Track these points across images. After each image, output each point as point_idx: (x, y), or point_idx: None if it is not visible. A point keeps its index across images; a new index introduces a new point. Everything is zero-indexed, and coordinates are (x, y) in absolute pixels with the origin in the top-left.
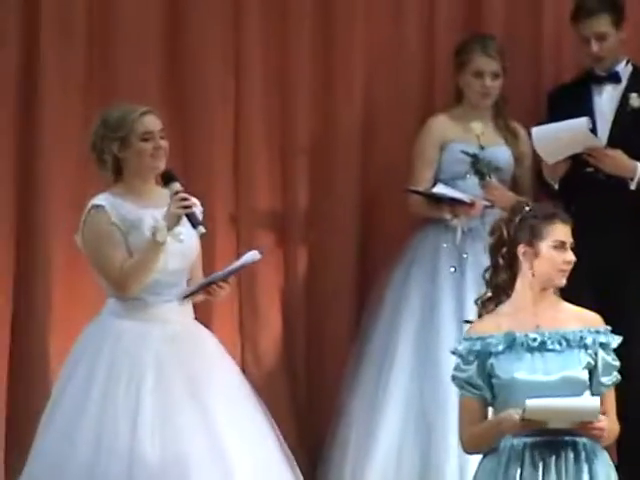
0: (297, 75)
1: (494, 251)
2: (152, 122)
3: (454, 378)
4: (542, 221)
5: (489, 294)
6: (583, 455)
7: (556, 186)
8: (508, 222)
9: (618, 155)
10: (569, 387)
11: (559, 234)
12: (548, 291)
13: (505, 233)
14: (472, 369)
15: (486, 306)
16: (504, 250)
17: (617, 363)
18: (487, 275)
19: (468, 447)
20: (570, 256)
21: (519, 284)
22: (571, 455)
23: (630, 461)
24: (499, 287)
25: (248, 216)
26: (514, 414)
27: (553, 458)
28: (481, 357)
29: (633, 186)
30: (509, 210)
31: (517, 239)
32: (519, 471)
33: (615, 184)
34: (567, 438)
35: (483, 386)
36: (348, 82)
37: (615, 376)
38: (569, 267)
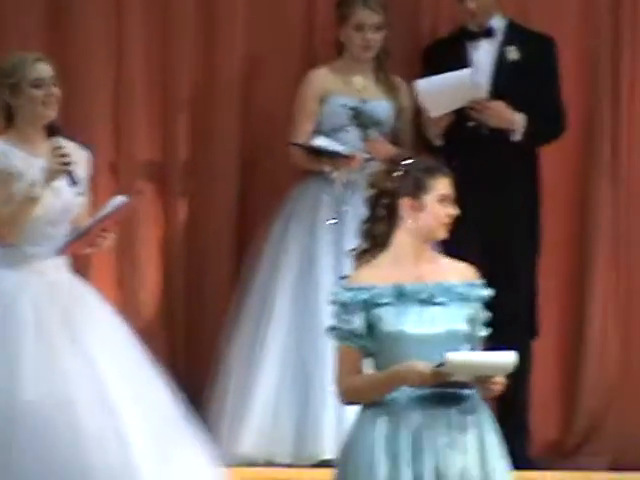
0: (179, 26)
1: (374, 203)
2: (44, 69)
3: (334, 328)
4: (426, 174)
5: (365, 246)
6: (468, 407)
7: (439, 141)
8: (388, 174)
9: (501, 107)
10: (453, 340)
11: (443, 188)
12: (428, 244)
13: (386, 185)
14: (356, 319)
15: (361, 258)
16: (384, 202)
17: (488, 315)
18: (364, 227)
19: (347, 398)
20: (453, 210)
21: (399, 236)
22: (456, 407)
23: (507, 412)
24: (376, 239)
25: (128, 166)
26: (421, 366)
27: (441, 410)
28: (367, 307)
29: (517, 137)
30: (389, 162)
31: (399, 192)
32: (407, 423)
33: (498, 138)
34: (451, 390)
35: (366, 337)
36: (230, 33)
37: (487, 328)
38: (451, 220)
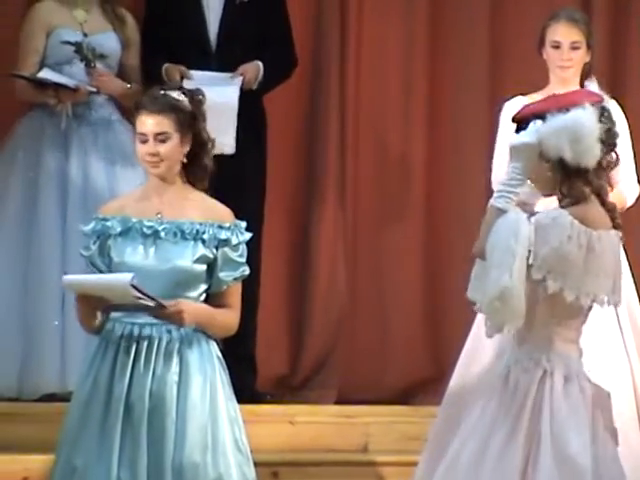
0: None
1: None
2: None
3: (81, 255)
4: (135, 112)
5: None
6: (177, 344)
7: None
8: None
9: None
10: (180, 277)
11: (141, 126)
12: (175, 180)
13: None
14: (94, 249)
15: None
16: None
17: (242, 260)
18: None
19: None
20: (150, 148)
21: None
22: (165, 342)
23: (234, 345)
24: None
25: None
26: None
27: (145, 345)
28: (101, 238)
29: (254, 86)
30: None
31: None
32: (113, 356)
33: None
34: (163, 326)
35: (103, 267)
36: None
37: (241, 272)
38: (153, 158)
